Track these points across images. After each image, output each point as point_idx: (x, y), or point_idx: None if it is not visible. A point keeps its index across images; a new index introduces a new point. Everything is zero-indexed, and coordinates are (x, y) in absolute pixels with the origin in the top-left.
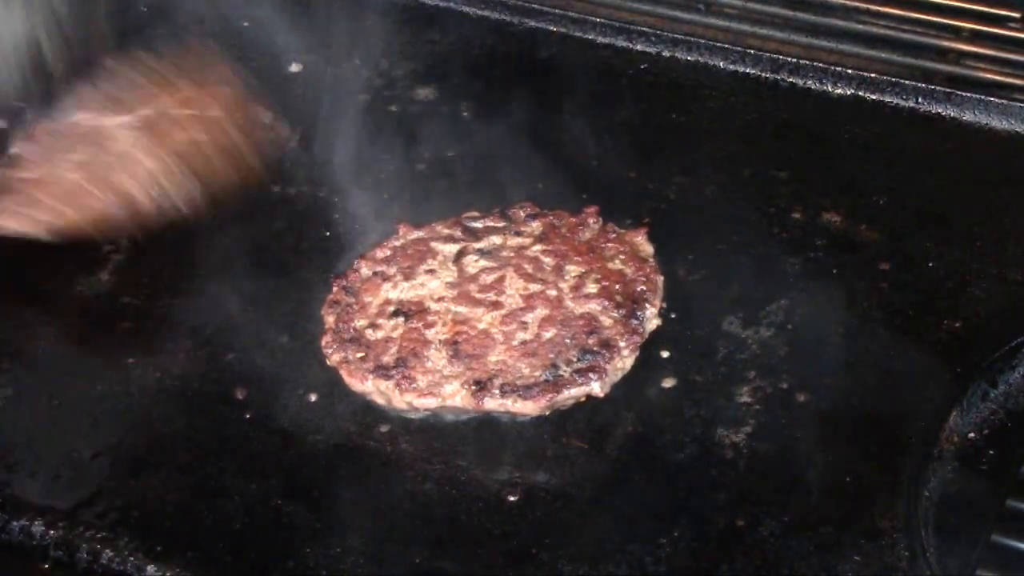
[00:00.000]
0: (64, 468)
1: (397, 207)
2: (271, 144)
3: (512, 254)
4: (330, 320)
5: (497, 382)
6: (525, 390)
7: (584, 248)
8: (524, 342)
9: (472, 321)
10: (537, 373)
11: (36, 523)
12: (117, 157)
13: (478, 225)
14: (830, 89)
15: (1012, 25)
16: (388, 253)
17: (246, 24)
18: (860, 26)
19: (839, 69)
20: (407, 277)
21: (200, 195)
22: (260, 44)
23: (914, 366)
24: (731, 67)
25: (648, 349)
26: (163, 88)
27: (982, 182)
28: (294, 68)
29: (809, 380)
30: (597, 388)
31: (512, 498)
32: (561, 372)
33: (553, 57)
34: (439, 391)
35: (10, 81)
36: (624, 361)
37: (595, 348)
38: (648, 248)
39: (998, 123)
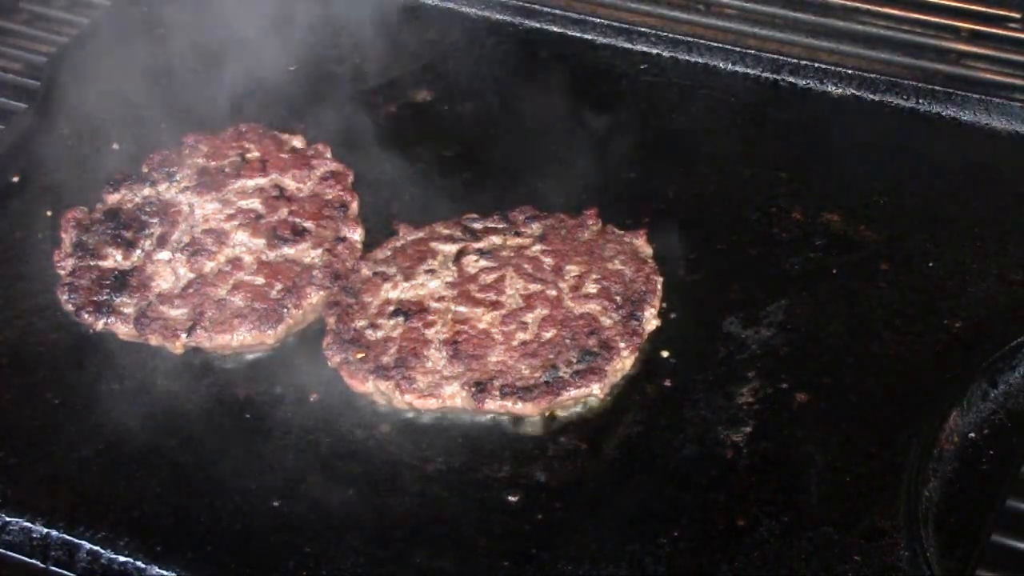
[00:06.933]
0: (64, 468)
1: (397, 207)
2: None
3: (512, 254)
4: (331, 321)
5: (497, 383)
6: (525, 392)
7: (584, 248)
8: (524, 342)
9: (472, 321)
10: (537, 374)
11: (36, 523)
12: None
13: (478, 226)
14: (830, 89)
15: (1012, 25)
16: (388, 253)
17: (245, 23)
18: (860, 26)
19: (839, 69)
20: (407, 277)
21: None
22: (259, 44)
23: (914, 366)
24: (731, 67)
25: (648, 349)
26: None
27: (982, 182)
28: (293, 68)
29: (809, 380)
30: (597, 389)
31: (512, 498)
32: (561, 373)
33: (553, 57)
34: (439, 392)
35: None
36: (624, 362)
37: (595, 349)
38: (648, 248)
39: (998, 123)
